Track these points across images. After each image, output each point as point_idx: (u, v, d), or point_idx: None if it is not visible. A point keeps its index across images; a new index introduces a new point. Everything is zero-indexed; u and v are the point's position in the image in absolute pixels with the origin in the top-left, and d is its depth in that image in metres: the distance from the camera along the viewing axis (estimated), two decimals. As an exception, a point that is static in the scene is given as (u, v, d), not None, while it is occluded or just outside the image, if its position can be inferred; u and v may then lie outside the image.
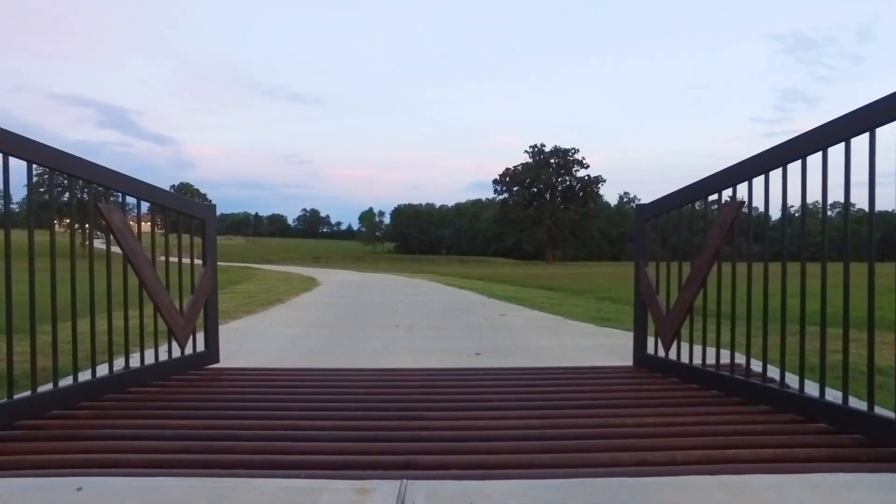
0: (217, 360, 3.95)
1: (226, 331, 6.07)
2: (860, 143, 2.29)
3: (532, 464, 2.16)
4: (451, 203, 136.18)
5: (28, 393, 2.64)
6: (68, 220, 2.71)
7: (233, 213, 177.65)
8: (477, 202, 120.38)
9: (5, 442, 2.36)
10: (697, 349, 3.31)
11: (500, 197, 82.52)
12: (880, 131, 2.22)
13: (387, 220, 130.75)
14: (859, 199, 2.37)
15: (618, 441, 2.37)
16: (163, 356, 3.51)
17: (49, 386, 2.75)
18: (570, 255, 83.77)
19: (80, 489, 1.93)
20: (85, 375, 3.01)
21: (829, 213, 2.48)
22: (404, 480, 2.00)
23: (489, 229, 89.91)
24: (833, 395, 2.58)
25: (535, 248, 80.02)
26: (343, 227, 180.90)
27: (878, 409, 2.35)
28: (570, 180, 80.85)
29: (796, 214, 2.76)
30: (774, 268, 2.72)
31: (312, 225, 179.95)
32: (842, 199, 2.34)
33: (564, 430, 2.49)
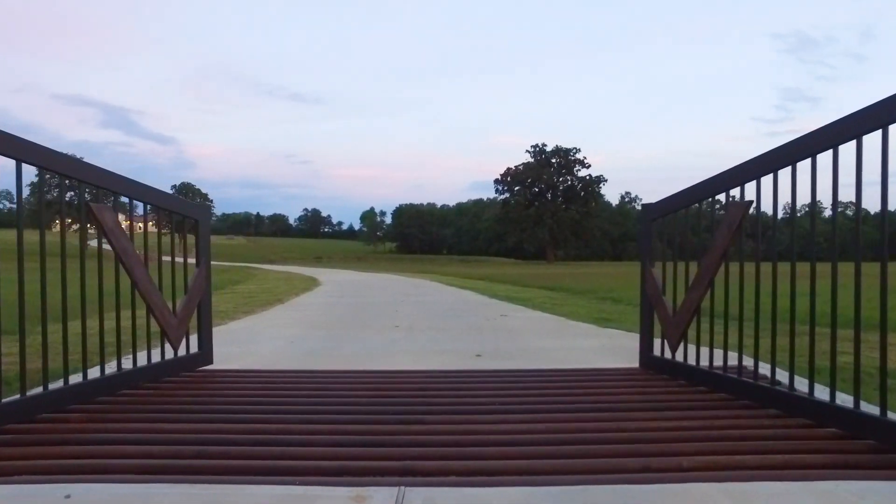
0: (211, 362, 3.90)
1: (224, 331, 6.02)
2: (871, 140, 2.23)
3: (533, 470, 2.11)
4: (452, 203, 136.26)
5: (17, 396, 2.59)
6: (58, 221, 2.65)
7: (234, 213, 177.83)
8: (478, 202, 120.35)
9: (-7, 446, 2.31)
10: (704, 351, 3.25)
11: (502, 197, 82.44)
12: (893, 128, 2.16)
13: (388, 219, 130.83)
14: (870, 199, 2.31)
15: (621, 446, 2.31)
16: (156, 358, 3.45)
17: (39, 389, 2.69)
18: (572, 254, 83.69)
19: (68, 496, 1.88)
20: (76, 378, 2.95)
21: (836, 212, 2.40)
22: (402, 487, 1.95)
23: (490, 229, 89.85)
24: (843, 399, 2.52)
25: (537, 248, 79.94)
26: (344, 226, 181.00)
27: (890, 414, 2.28)
28: (572, 180, 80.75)
29: (799, 214, 2.69)
30: (783, 268, 2.65)
31: (314, 225, 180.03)
32: (849, 199, 2.28)
33: (567, 435, 2.43)
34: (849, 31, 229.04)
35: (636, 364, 3.98)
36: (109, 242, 2.97)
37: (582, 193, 79.99)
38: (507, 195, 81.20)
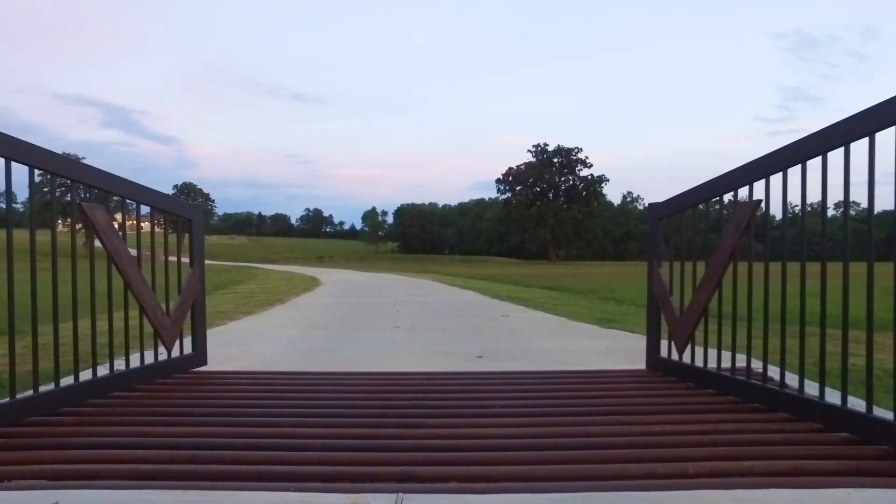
0: (205, 363, 3.85)
1: (223, 332, 5.98)
2: (886, 138, 2.16)
3: (536, 476, 2.05)
4: (454, 202, 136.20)
5: (7, 399, 2.53)
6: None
7: (236, 213, 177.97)
8: (480, 202, 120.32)
9: (-20, 451, 2.26)
10: (712, 353, 3.19)
11: (504, 196, 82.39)
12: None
13: (390, 219, 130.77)
14: (882, 198, 2.25)
15: (626, 451, 2.25)
16: (149, 359, 3.40)
17: (30, 391, 2.64)
18: (574, 254, 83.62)
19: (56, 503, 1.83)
20: (68, 380, 2.90)
21: (848, 211, 2.34)
22: (400, 494, 1.89)
23: (492, 229, 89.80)
24: (854, 403, 2.45)
25: (539, 248, 79.89)
26: (346, 226, 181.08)
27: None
28: (574, 179, 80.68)
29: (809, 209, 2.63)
30: (793, 268, 2.59)
31: (315, 225, 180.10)
32: (860, 199, 2.22)
33: (570, 439, 2.38)
34: (851, 29, 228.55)
35: (640, 366, 3.92)
36: (102, 242, 2.92)
37: (584, 193, 79.91)
38: (508, 195, 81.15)
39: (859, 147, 2.26)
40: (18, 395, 2.56)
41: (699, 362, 3.27)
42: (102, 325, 3.03)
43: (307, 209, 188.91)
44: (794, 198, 2.63)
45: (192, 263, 3.72)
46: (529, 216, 76.85)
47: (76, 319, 2.80)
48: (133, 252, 3.18)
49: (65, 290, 2.70)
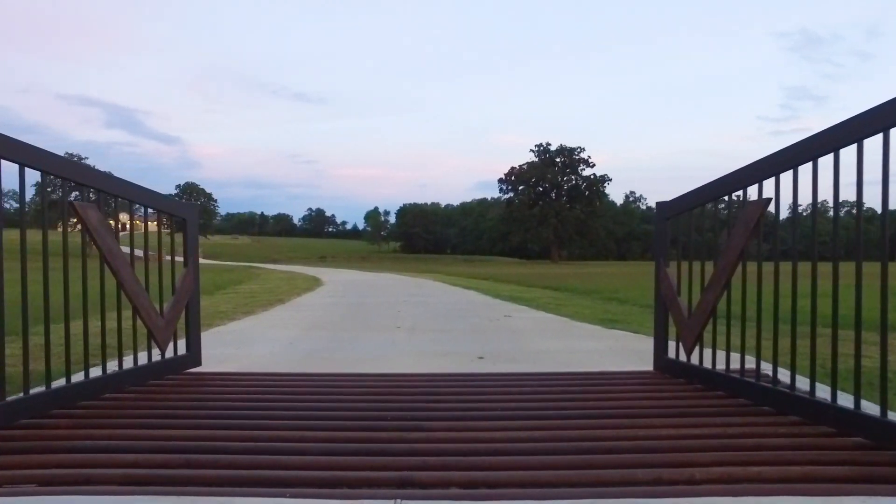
0: (199, 364, 3.80)
1: (223, 332, 5.94)
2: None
3: (538, 482, 1.99)
4: (456, 202, 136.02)
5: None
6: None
7: (239, 213, 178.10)
8: (482, 201, 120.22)
9: (-33, 455, 2.21)
10: (721, 354, 3.13)
11: (506, 196, 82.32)
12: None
13: (392, 219, 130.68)
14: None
15: (632, 456, 2.19)
16: (143, 360, 3.35)
17: (20, 393, 2.59)
18: (576, 254, 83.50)
19: (43, 512, 1.78)
20: (60, 382, 2.85)
21: (861, 209, 2.27)
22: (398, 500, 1.84)
23: (495, 228, 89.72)
24: (866, 406, 2.38)
25: (541, 248, 79.83)
26: (348, 226, 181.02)
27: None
28: (576, 179, 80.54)
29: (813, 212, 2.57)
30: (804, 268, 2.53)
31: (318, 224, 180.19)
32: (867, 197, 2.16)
33: (574, 444, 2.32)
34: (855, 28, 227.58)
35: (645, 367, 3.86)
36: (94, 242, 2.87)
37: (586, 193, 79.77)
38: (511, 195, 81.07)
39: (872, 144, 2.20)
40: (9, 398, 2.51)
41: (707, 364, 3.20)
42: (95, 326, 2.98)
43: (310, 209, 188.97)
44: (803, 198, 2.57)
45: (186, 263, 3.67)
46: (532, 216, 76.76)
47: (68, 320, 2.75)
48: (126, 250, 3.13)
49: (57, 290, 2.65)
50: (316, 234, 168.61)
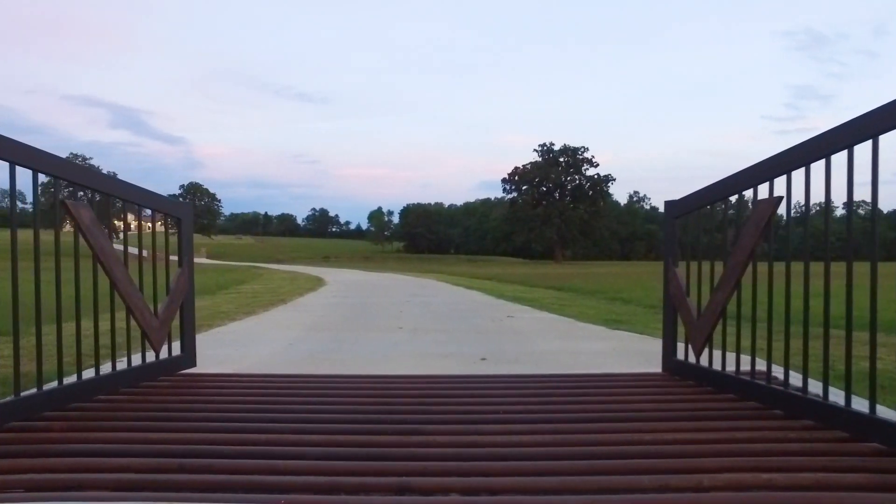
0: (194, 365, 3.75)
1: (223, 333, 5.90)
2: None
3: (541, 488, 1.93)
4: (460, 202, 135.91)
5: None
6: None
7: (242, 213, 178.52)
8: (486, 201, 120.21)
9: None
10: (731, 356, 3.06)
11: (510, 196, 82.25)
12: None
13: (396, 219, 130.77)
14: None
15: (638, 461, 2.12)
16: (136, 361, 3.30)
17: (10, 396, 2.54)
18: (580, 254, 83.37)
19: (31, 518, 1.73)
20: (52, 384, 2.80)
21: (876, 207, 2.20)
22: (396, 508, 1.79)
23: (498, 228, 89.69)
24: (881, 411, 2.32)
25: (545, 248, 79.70)
26: (352, 226, 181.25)
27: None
28: (580, 179, 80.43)
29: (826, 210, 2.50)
30: (816, 268, 2.46)
31: (321, 224, 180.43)
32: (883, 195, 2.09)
33: (578, 448, 2.25)
34: (861, 26, 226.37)
35: (650, 368, 3.80)
36: (87, 241, 2.82)
37: (590, 193, 79.65)
38: (514, 194, 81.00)
39: (889, 141, 2.13)
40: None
41: (717, 365, 3.13)
42: (88, 327, 2.93)
43: (313, 209, 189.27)
44: (816, 196, 2.50)
45: (180, 263, 3.62)
46: (535, 216, 76.68)
47: (59, 320, 2.70)
48: (119, 248, 3.08)
49: (50, 290, 2.61)
50: (319, 234, 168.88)
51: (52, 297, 2.65)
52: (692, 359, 3.38)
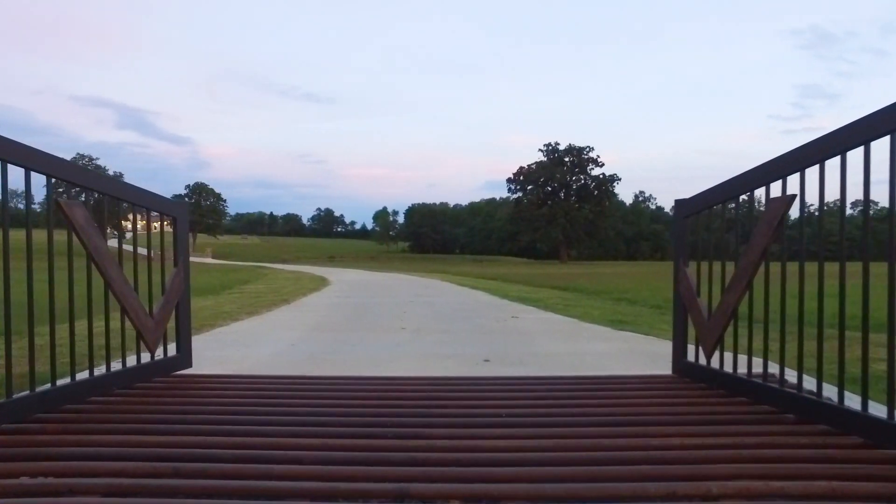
0: (189, 365, 3.70)
1: (224, 333, 5.85)
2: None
3: (544, 495, 1.87)
4: (465, 202, 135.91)
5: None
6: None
7: (248, 213, 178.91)
8: (491, 201, 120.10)
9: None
10: (743, 358, 2.98)
11: (515, 196, 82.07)
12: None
13: (401, 219, 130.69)
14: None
15: (645, 467, 2.05)
16: (131, 362, 3.26)
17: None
18: (585, 254, 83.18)
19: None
20: (45, 386, 2.76)
21: (894, 205, 2.12)
22: (394, 516, 1.73)
23: (503, 228, 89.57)
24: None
25: (550, 248, 79.51)
26: (357, 226, 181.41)
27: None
28: (585, 179, 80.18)
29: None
30: (831, 268, 2.38)
31: (327, 224, 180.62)
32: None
33: (583, 454, 2.19)
34: (869, 25, 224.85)
35: (656, 369, 3.72)
36: (81, 241, 2.77)
37: (595, 192, 79.40)
38: (519, 194, 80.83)
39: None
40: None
41: (728, 367, 3.06)
42: (82, 328, 2.89)
43: (318, 209, 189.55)
44: (830, 194, 2.42)
45: (176, 263, 3.58)
46: (540, 216, 76.49)
47: (53, 321, 2.66)
48: (114, 246, 3.03)
49: (43, 290, 2.56)
50: (325, 234, 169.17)
51: (46, 297, 2.61)
52: (702, 360, 3.30)
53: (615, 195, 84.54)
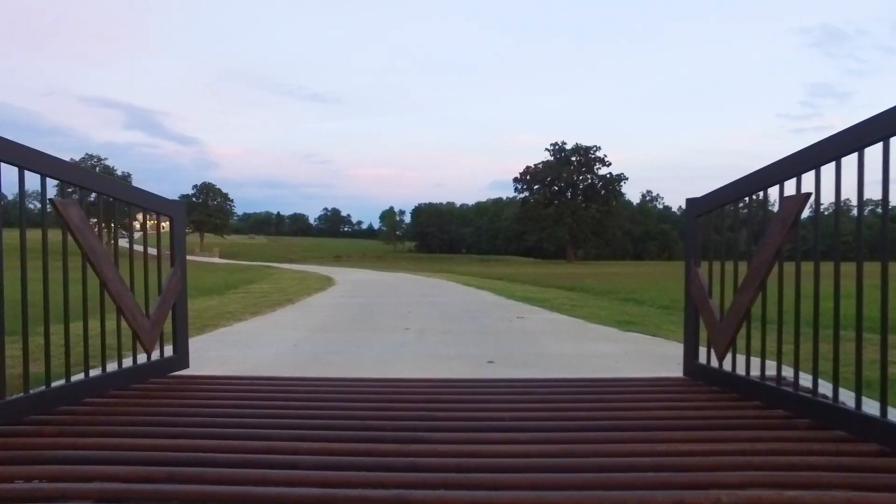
0: (187, 366, 3.66)
1: (227, 333, 5.82)
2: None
3: (548, 503, 1.81)
4: (471, 202, 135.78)
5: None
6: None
7: (255, 213, 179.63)
8: (498, 201, 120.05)
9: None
10: (755, 361, 2.90)
11: (521, 195, 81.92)
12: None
13: (407, 219, 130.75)
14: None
15: (653, 474, 1.98)
16: (127, 363, 3.21)
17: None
18: (592, 254, 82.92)
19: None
20: (40, 388, 2.71)
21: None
22: (392, 525, 1.67)
23: (510, 228, 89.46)
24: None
25: (557, 247, 79.34)
26: (364, 226, 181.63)
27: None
28: (592, 178, 79.95)
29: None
30: (847, 268, 2.30)
31: (333, 224, 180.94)
32: None
33: (588, 459, 2.12)
34: (880, 23, 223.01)
35: (664, 371, 3.64)
36: (76, 240, 2.73)
37: (602, 192, 79.16)
38: (526, 194, 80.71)
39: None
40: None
41: (741, 370, 2.97)
42: (78, 328, 2.84)
43: (325, 209, 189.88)
44: (847, 192, 2.34)
45: (172, 262, 3.53)
46: (547, 215, 76.31)
47: (47, 321, 2.61)
48: (108, 243, 3.00)
49: (37, 289, 2.52)
50: (331, 234, 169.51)
51: (41, 297, 2.57)
52: (714, 363, 3.22)
53: (622, 195, 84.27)
